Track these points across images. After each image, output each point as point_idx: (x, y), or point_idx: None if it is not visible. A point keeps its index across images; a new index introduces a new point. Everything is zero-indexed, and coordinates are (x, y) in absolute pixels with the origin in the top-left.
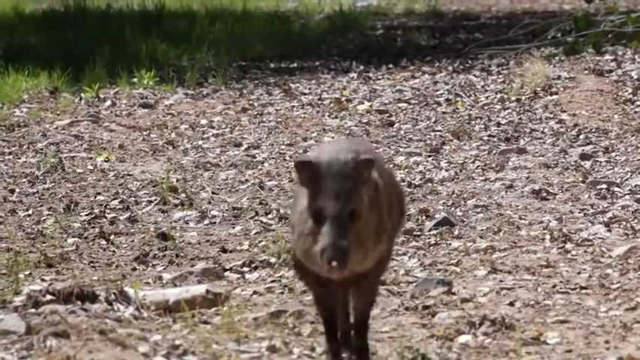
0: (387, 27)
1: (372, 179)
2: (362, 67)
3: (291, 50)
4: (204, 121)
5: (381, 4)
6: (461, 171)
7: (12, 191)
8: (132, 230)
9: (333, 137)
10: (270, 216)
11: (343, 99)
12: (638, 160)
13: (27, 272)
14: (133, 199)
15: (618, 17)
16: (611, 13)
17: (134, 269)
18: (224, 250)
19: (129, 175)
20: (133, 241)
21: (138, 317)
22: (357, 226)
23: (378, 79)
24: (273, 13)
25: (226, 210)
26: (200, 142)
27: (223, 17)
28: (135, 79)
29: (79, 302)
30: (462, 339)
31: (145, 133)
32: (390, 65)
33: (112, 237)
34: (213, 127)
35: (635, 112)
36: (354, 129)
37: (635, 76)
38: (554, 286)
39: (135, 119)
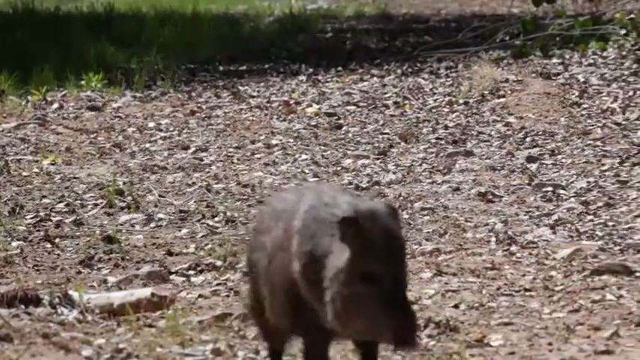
0: (336, 30)
1: None
2: (311, 70)
3: (240, 53)
4: (152, 124)
5: (330, 7)
6: (408, 173)
7: None
8: (77, 233)
9: (282, 140)
10: (217, 219)
11: (292, 102)
12: (583, 162)
13: None
14: (79, 202)
15: (566, 21)
16: (559, 16)
17: (79, 272)
18: (170, 253)
19: (75, 178)
20: (78, 244)
21: (82, 321)
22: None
23: (327, 82)
24: (222, 16)
25: (173, 213)
26: (147, 145)
27: (173, 20)
28: (83, 82)
29: (22, 306)
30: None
31: (92, 135)
32: (339, 68)
33: (57, 240)
34: (161, 130)
35: (582, 115)
36: (302, 132)
37: (582, 80)
38: (498, 289)
39: (82, 122)
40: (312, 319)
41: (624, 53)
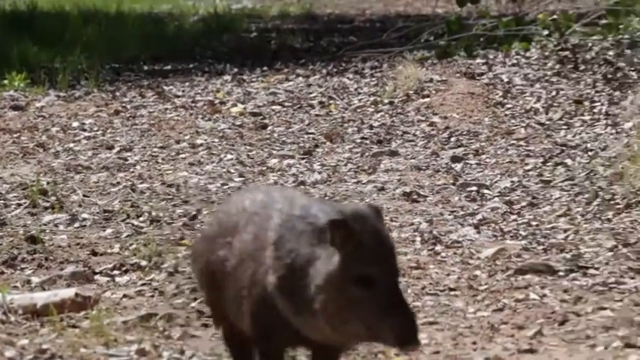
0: (261, 29)
1: None
2: (236, 70)
3: (164, 52)
4: (75, 124)
5: (255, 7)
6: (333, 173)
7: None
8: (0, 234)
9: (207, 140)
10: (141, 219)
11: (217, 101)
12: (507, 162)
13: None
14: (2, 202)
15: (490, 21)
16: (483, 17)
17: (2, 273)
18: (94, 253)
19: None
20: (1, 244)
21: (5, 321)
22: None
23: (252, 82)
24: (147, 15)
25: (97, 213)
26: (71, 145)
27: (97, 19)
28: (5, 82)
29: None
30: None
31: (15, 135)
32: (265, 68)
33: None
34: (85, 130)
35: (506, 115)
36: (227, 132)
37: (506, 80)
38: (423, 288)
39: (5, 122)
40: (280, 331)
41: (547, 54)
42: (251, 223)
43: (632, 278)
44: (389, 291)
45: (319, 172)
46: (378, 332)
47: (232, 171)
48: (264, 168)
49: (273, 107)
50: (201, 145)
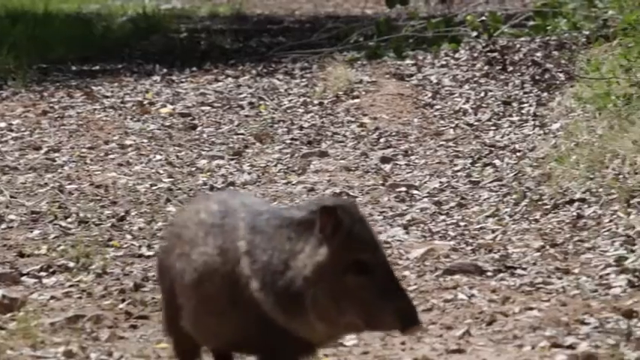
0: (190, 30)
1: None
2: (165, 70)
3: (93, 53)
4: (2, 124)
5: (185, 7)
6: (263, 174)
7: None
8: None
9: (135, 141)
10: (69, 220)
11: (146, 102)
12: (436, 163)
13: None
14: None
15: (419, 22)
16: (412, 18)
17: None
18: (21, 255)
19: None
20: None
21: None
22: None
23: (182, 82)
24: (75, 16)
25: (24, 214)
26: None
27: (24, 19)
28: None
29: None
30: None
31: None
32: (194, 68)
33: None
34: (12, 130)
35: (435, 116)
36: (156, 132)
37: (435, 81)
38: None
39: None
40: (279, 335)
41: (476, 55)
42: (211, 235)
43: (560, 278)
44: (386, 275)
45: (249, 173)
46: (378, 318)
47: (161, 172)
48: (194, 169)
49: (203, 108)
50: (130, 145)
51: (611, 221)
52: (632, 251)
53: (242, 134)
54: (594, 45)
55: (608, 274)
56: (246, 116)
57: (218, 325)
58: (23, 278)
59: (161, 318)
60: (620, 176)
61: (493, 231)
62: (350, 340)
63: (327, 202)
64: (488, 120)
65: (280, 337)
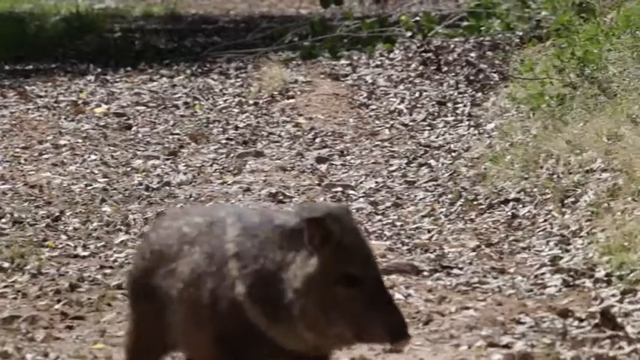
0: (125, 30)
1: None
2: (99, 70)
3: (26, 52)
4: None
5: (118, 7)
6: (199, 174)
7: None
8: None
9: (70, 140)
10: (3, 220)
11: (80, 102)
12: (372, 163)
13: None
14: None
15: (353, 22)
16: (346, 18)
17: None
18: None
19: None
20: None
21: None
22: None
23: (116, 82)
24: (7, 15)
25: None
26: None
27: None
28: None
29: None
30: None
31: None
32: (128, 68)
33: None
34: None
35: (370, 116)
36: (91, 132)
37: (370, 81)
38: None
39: None
40: (253, 346)
41: (410, 55)
42: (198, 244)
43: (495, 278)
44: (376, 288)
45: (184, 173)
46: (368, 330)
47: (96, 172)
48: (129, 169)
49: (138, 108)
50: (65, 145)
51: (545, 221)
52: (567, 251)
53: (177, 134)
54: (528, 45)
55: (543, 273)
56: (182, 116)
57: (201, 333)
58: None
59: (124, 340)
60: (555, 176)
61: (429, 231)
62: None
63: (316, 211)
64: (423, 120)
65: (259, 343)
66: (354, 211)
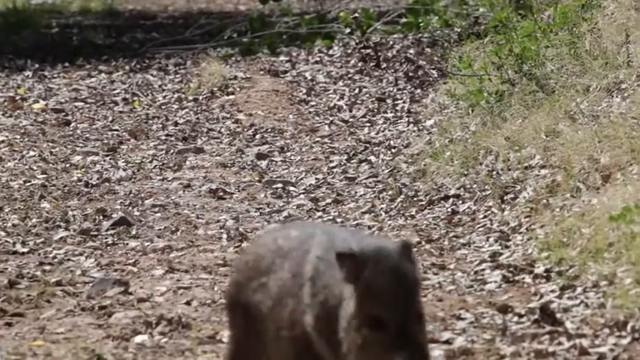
0: (62, 25)
1: None
2: (37, 66)
3: None
4: None
5: (56, 2)
6: (138, 170)
7: None
8: None
9: (8, 137)
10: None
11: (18, 98)
12: (312, 159)
13: None
14: None
15: (292, 19)
16: (285, 14)
17: None
18: None
19: None
20: None
21: None
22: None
23: (54, 78)
24: None
25: None
26: None
27: None
28: None
29: None
30: (139, 339)
31: None
32: (66, 64)
33: None
34: None
35: (310, 113)
36: (29, 128)
37: (309, 77)
38: None
39: None
40: None
41: (349, 51)
42: (288, 259)
43: (436, 274)
44: (398, 332)
45: (124, 169)
46: None
47: (35, 168)
48: (68, 165)
49: (76, 104)
50: (3, 142)
51: (485, 217)
52: (507, 247)
53: (116, 130)
54: (466, 42)
55: (483, 269)
56: (121, 112)
57: (281, 355)
58: None
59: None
60: (494, 172)
61: (369, 227)
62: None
63: (351, 247)
64: (363, 117)
65: None
66: (294, 207)
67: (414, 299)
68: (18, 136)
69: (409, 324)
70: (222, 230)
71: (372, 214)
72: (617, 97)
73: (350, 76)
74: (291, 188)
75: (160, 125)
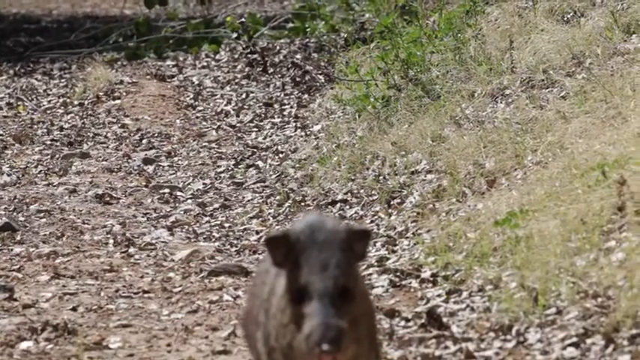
0: None
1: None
2: None
3: None
4: None
5: None
6: (23, 175)
7: None
8: None
9: None
10: None
11: None
12: (199, 164)
13: None
14: None
15: (179, 23)
16: (171, 19)
17: None
18: None
19: None
20: None
21: None
22: (351, 310)
23: None
24: None
25: None
26: None
27: None
28: None
29: None
30: (24, 345)
31: None
32: None
33: None
34: None
35: (197, 117)
36: None
37: (196, 82)
38: (117, 290)
39: None
40: None
41: (236, 56)
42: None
43: None
44: (320, 301)
45: (9, 175)
46: (303, 346)
47: None
48: None
49: None
50: None
51: (372, 222)
52: (393, 251)
53: (1, 135)
54: (352, 47)
55: (370, 274)
56: (5, 117)
57: None
58: None
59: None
60: (381, 177)
61: (257, 232)
62: (115, 342)
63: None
64: (251, 121)
65: None
66: (182, 212)
67: (341, 273)
68: None
69: (332, 292)
70: (108, 235)
71: (260, 219)
72: (501, 102)
73: (237, 81)
74: (179, 193)
75: (45, 130)
